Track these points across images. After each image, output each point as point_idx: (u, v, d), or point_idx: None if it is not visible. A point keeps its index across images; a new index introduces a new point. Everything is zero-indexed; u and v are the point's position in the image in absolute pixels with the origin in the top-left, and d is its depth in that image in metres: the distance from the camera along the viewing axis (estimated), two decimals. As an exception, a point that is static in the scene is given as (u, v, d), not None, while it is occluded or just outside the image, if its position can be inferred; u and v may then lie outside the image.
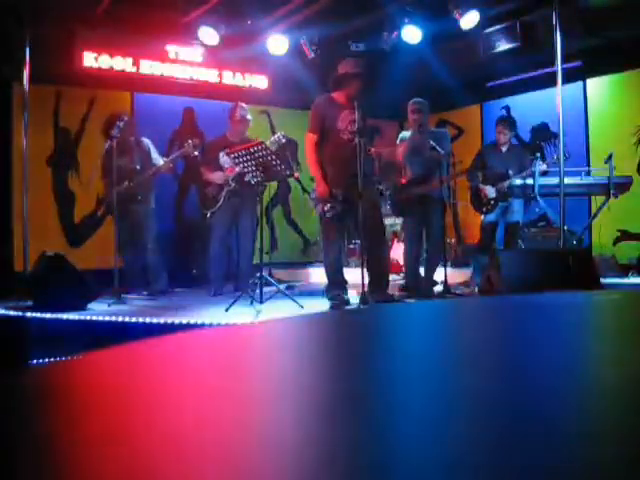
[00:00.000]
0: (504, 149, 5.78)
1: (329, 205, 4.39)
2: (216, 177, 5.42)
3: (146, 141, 5.63)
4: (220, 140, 5.60)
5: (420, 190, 5.06)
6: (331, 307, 4.39)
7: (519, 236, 5.94)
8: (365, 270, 4.29)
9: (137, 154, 5.48)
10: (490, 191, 5.65)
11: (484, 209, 5.75)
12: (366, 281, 4.26)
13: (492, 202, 5.65)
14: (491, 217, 5.74)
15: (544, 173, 5.70)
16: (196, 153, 5.44)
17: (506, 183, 5.54)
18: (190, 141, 5.39)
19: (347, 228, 4.67)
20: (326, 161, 4.45)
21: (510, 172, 5.53)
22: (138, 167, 5.43)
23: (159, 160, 5.60)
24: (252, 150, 4.42)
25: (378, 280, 4.44)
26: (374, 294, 4.38)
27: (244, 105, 5.61)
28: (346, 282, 4.59)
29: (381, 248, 4.49)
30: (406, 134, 5.31)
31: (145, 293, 5.45)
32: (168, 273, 5.71)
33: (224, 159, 5.25)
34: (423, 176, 5.10)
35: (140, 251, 5.48)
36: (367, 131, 4.49)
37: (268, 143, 4.55)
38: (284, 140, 4.89)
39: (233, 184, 5.33)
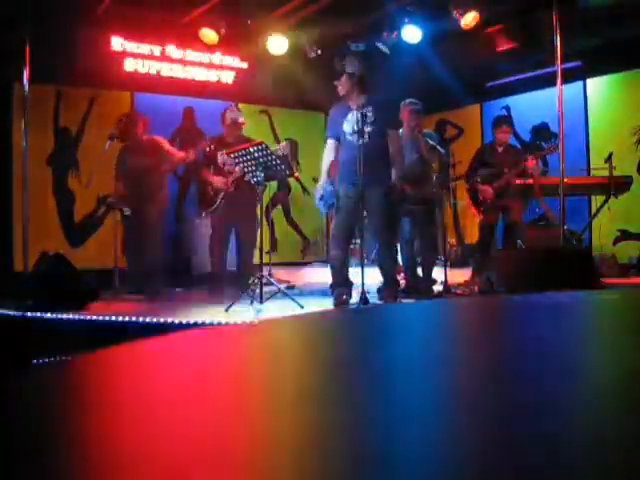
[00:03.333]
0: (500, 149, 5.79)
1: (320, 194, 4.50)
2: (217, 180, 5.40)
3: (158, 139, 5.52)
4: (218, 140, 5.58)
5: (412, 191, 5.06)
6: (335, 305, 4.40)
7: (518, 236, 5.94)
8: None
9: (151, 153, 5.39)
10: (487, 190, 5.65)
11: (482, 208, 5.76)
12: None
13: (489, 201, 5.66)
14: (489, 216, 5.74)
15: (543, 173, 5.71)
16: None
17: (502, 181, 5.56)
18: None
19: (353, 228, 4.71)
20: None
21: (506, 170, 5.55)
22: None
23: (175, 150, 5.47)
24: (252, 150, 4.42)
25: (384, 279, 4.53)
26: (379, 293, 4.60)
27: (234, 108, 5.58)
28: (351, 283, 4.58)
29: (384, 249, 4.50)
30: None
31: (141, 294, 5.41)
32: (166, 273, 5.69)
33: (223, 158, 5.23)
34: (416, 176, 5.11)
35: (145, 252, 5.43)
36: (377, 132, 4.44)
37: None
38: (286, 152, 4.87)
39: (232, 188, 5.32)
